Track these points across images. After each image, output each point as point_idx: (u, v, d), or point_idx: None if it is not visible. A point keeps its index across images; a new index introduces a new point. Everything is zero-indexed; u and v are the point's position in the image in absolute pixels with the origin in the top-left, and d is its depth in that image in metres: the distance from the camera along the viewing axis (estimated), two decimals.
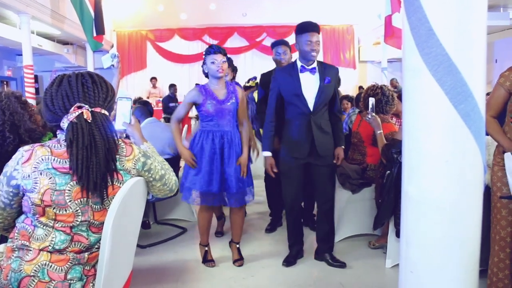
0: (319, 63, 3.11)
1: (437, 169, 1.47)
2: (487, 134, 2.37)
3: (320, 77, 3.06)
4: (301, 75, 3.06)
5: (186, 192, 3.08)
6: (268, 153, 3.19)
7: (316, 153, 3.08)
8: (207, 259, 3.26)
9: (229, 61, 3.34)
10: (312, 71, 3.06)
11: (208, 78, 3.13)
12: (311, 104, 3.04)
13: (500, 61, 10.97)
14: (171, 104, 10.51)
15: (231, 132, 3.08)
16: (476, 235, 1.51)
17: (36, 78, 10.77)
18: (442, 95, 1.42)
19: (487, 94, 4.47)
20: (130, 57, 13.59)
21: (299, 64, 3.08)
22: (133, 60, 13.63)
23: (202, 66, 3.12)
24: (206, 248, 3.27)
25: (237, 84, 4.07)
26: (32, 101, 8.04)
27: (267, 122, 3.20)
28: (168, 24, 13.39)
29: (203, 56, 3.09)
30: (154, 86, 13.00)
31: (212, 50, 3.02)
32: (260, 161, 4.32)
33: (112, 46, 13.05)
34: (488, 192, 2.64)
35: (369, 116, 3.40)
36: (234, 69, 4.01)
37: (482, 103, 1.45)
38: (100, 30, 9.16)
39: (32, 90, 8.38)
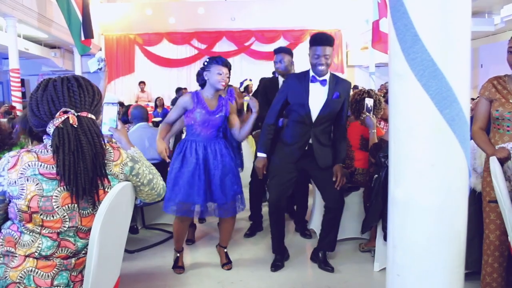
0: (332, 76, 3.07)
1: (423, 173, 1.48)
2: (471, 138, 2.43)
3: (329, 91, 3.02)
4: (311, 85, 3.02)
5: (167, 202, 3.03)
6: (263, 154, 3.18)
7: (314, 163, 3.08)
8: (177, 265, 3.22)
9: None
10: (322, 82, 3.01)
11: (201, 86, 3.13)
12: (314, 116, 3.02)
13: (485, 66, 11.13)
14: None
15: (214, 143, 3.07)
16: (461, 238, 1.52)
17: (22, 82, 10.69)
18: (428, 100, 1.44)
19: (472, 99, 4.54)
20: (118, 61, 13.53)
21: (311, 73, 3.05)
22: (121, 64, 13.56)
23: (201, 72, 3.09)
24: (178, 254, 3.24)
25: (232, 89, 4.09)
26: (18, 105, 7.97)
27: (268, 124, 3.18)
28: (157, 28, 13.36)
29: (205, 63, 3.08)
30: (142, 91, 12.94)
31: (221, 61, 3.02)
32: (246, 170, 4.34)
33: (100, 50, 12.99)
34: (475, 195, 2.69)
35: (364, 116, 3.48)
36: None
37: (467, 108, 1.47)
38: (88, 34, 9.11)
39: (19, 94, 8.30)
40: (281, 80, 3.82)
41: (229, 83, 3.33)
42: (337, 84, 3.05)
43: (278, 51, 3.86)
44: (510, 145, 2.26)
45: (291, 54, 3.87)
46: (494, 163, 2.10)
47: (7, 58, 8.40)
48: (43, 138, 1.56)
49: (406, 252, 1.54)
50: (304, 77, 3.07)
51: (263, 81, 4.13)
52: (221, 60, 3.02)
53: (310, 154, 3.08)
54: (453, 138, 1.45)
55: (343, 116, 3.15)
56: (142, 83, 12.94)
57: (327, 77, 3.03)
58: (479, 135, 2.50)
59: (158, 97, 11.09)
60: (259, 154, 3.19)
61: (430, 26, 1.43)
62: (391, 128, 1.59)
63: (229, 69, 3.07)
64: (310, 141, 3.07)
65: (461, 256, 1.53)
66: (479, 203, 2.58)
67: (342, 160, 3.14)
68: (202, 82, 3.11)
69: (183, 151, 3.06)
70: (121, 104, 8.28)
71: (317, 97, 3.01)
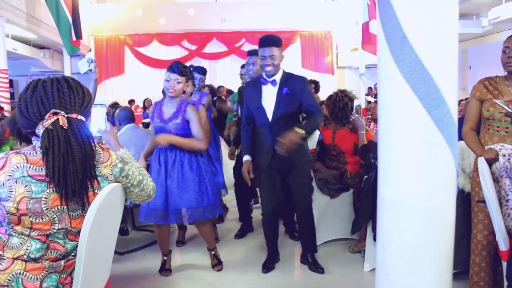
0: (285, 74, 3.08)
1: (412, 173, 1.50)
2: (460, 139, 2.46)
3: (278, 90, 3.05)
4: (263, 88, 3.08)
5: (140, 210, 3.07)
6: (247, 157, 3.19)
7: (283, 166, 3.08)
8: (164, 268, 3.21)
9: (190, 75, 3.27)
10: (273, 83, 3.05)
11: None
12: (270, 116, 3.05)
13: (473, 68, 11.25)
14: None
15: (176, 151, 3.04)
16: (449, 238, 1.54)
17: (11, 82, 10.57)
18: (416, 101, 1.45)
19: (461, 100, 4.58)
20: (108, 62, 13.46)
21: (263, 75, 3.10)
22: (111, 65, 13.49)
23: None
24: (166, 258, 3.23)
25: (204, 94, 4.09)
26: (6, 106, 7.89)
27: (242, 126, 3.27)
28: (147, 29, 13.32)
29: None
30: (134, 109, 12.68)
31: (170, 68, 3.00)
32: (229, 172, 4.32)
33: (90, 51, 12.91)
34: (463, 196, 2.72)
35: (353, 117, 3.51)
36: (193, 79, 3.87)
37: (454, 109, 1.49)
38: (78, 35, 9.06)
39: (7, 95, 8.21)
40: None
41: (205, 86, 3.29)
42: (288, 80, 3.06)
43: (252, 53, 3.77)
44: (499, 146, 2.29)
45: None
46: (482, 164, 2.13)
47: None
48: (32, 139, 1.54)
49: (395, 252, 1.55)
50: (257, 81, 3.14)
51: (240, 91, 4.08)
52: (171, 67, 3.00)
53: (278, 157, 3.04)
54: (441, 139, 1.47)
55: (309, 105, 3.05)
56: (132, 101, 12.51)
57: (277, 77, 3.06)
58: (469, 136, 2.52)
59: (147, 98, 11.03)
60: (244, 158, 3.20)
61: (418, 28, 1.44)
62: (380, 129, 1.60)
63: (182, 75, 2.99)
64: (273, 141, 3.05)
65: (450, 256, 1.55)
66: (468, 204, 2.61)
67: (302, 129, 2.92)
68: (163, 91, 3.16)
69: (152, 157, 3.11)
70: (116, 104, 8.24)
71: (270, 98, 3.05)
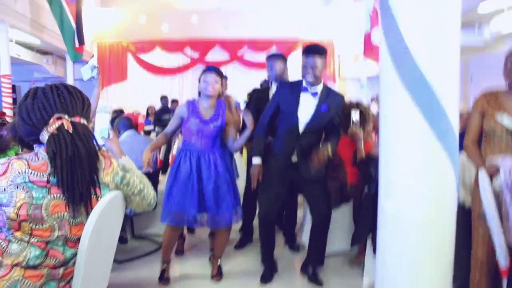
0: (325, 88, 3.03)
1: (413, 186, 1.50)
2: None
3: (318, 103, 2.98)
4: (302, 95, 2.99)
5: (164, 213, 3.02)
6: (258, 161, 3.09)
7: (301, 175, 3.04)
8: (163, 277, 3.16)
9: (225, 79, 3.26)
10: (314, 94, 2.99)
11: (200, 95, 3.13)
12: (301, 127, 2.99)
13: (475, 79, 11.24)
14: (165, 117, 9.31)
15: (209, 153, 3.04)
16: (449, 251, 1.53)
17: (14, 88, 10.60)
18: (418, 113, 1.46)
19: (463, 115, 4.57)
20: (111, 68, 13.47)
21: (304, 83, 3.02)
22: (113, 71, 13.50)
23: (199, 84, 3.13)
24: (166, 265, 3.19)
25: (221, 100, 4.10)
26: (9, 112, 7.90)
27: (258, 136, 3.15)
28: (150, 36, 13.35)
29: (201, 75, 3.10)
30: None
31: (207, 69, 3.06)
32: (241, 179, 4.28)
33: (92, 57, 12.94)
34: (464, 212, 2.70)
35: (350, 130, 3.49)
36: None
37: (455, 121, 1.49)
38: (81, 41, 9.09)
39: (10, 100, 8.23)
40: (273, 89, 3.78)
41: (223, 94, 3.31)
42: (328, 96, 3.01)
43: (270, 57, 3.78)
44: (500, 159, 2.28)
45: (283, 61, 3.73)
46: (482, 176, 2.12)
47: None
48: (34, 146, 1.54)
49: (395, 266, 1.54)
50: (296, 86, 3.04)
51: (255, 92, 4.12)
52: (207, 69, 3.06)
53: (297, 166, 3.04)
54: (442, 151, 1.47)
55: (333, 128, 3.08)
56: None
57: (318, 89, 2.99)
58: (470, 149, 2.52)
59: (150, 106, 11.03)
60: (254, 161, 3.10)
61: (420, 40, 1.45)
62: (382, 140, 1.60)
63: (220, 76, 3.06)
64: (297, 152, 3.02)
65: (449, 270, 1.54)
66: (468, 220, 2.59)
67: (328, 148, 3.00)
68: (199, 93, 3.12)
69: (177, 161, 3.05)
70: (121, 111, 8.21)
71: (307, 108, 2.98)
